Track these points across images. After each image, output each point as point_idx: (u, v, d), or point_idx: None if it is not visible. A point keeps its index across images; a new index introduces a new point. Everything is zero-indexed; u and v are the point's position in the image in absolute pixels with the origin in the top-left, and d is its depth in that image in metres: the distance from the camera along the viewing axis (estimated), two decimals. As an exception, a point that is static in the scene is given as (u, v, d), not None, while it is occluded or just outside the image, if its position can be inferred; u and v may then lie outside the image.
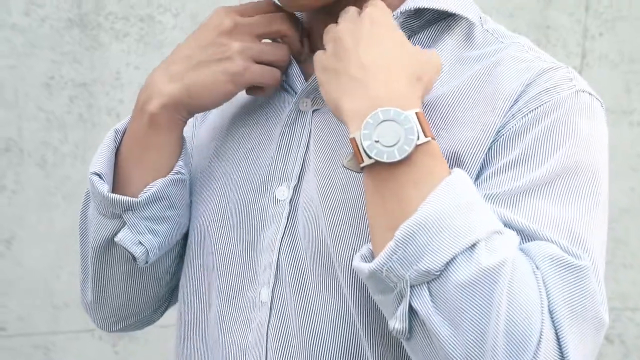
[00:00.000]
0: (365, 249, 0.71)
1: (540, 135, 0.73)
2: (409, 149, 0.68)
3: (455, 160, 0.74)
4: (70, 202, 1.83)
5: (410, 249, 0.65)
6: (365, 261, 0.70)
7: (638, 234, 2.12)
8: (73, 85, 1.80)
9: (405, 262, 0.65)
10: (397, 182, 0.68)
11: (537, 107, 0.74)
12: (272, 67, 0.83)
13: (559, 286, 0.65)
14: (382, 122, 0.68)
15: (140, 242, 0.87)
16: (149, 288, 0.95)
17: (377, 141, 0.68)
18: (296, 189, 0.83)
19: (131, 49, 1.80)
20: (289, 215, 0.82)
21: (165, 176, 0.87)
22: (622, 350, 2.19)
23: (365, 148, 0.68)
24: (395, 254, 0.65)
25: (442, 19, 0.83)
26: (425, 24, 0.83)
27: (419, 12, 0.82)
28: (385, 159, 0.68)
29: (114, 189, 0.87)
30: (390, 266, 0.66)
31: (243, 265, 0.85)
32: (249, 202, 0.85)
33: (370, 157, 0.69)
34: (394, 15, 0.80)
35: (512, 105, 0.75)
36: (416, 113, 0.69)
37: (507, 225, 0.69)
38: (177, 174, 0.87)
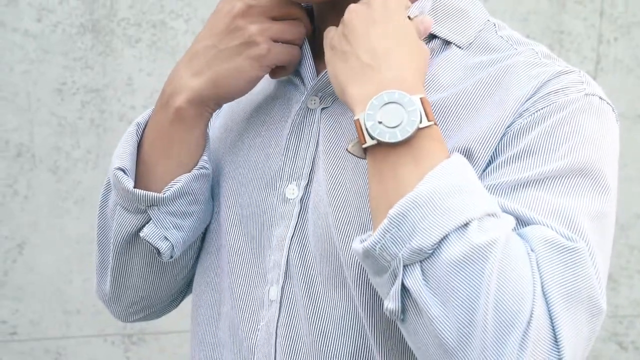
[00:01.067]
0: (366, 234, 0.71)
1: (546, 131, 0.73)
2: (410, 131, 0.68)
3: (467, 155, 0.74)
4: (82, 207, 1.83)
5: (404, 227, 0.65)
6: (363, 241, 0.70)
7: (653, 240, 2.11)
8: (85, 91, 1.80)
9: (399, 240, 0.66)
10: (397, 163, 0.69)
11: (545, 107, 0.74)
12: (292, 45, 0.83)
13: (553, 268, 0.65)
14: (386, 104, 0.69)
15: (166, 237, 0.87)
16: (168, 281, 0.95)
17: (380, 122, 0.69)
18: (307, 188, 0.83)
19: (143, 54, 1.80)
20: (299, 214, 0.82)
21: (190, 171, 0.86)
22: (636, 357, 2.17)
23: (368, 128, 0.69)
24: (389, 232, 0.66)
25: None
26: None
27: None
28: (387, 139, 0.69)
29: (137, 183, 0.86)
30: (383, 244, 0.66)
31: (252, 263, 0.85)
32: (258, 200, 0.85)
33: (372, 138, 0.69)
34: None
35: (520, 107, 0.75)
36: (420, 98, 0.70)
37: (505, 212, 0.69)
38: (201, 168, 0.87)
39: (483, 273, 0.63)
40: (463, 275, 0.64)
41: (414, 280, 0.66)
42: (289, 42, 0.83)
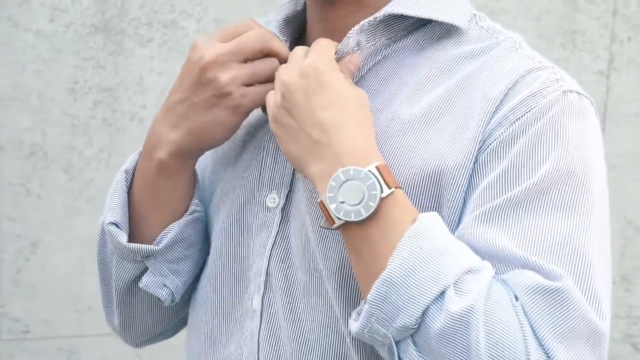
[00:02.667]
0: (362, 304, 0.71)
1: (528, 143, 0.71)
2: (374, 205, 0.68)
3: (438, 177, 0.73)
4: (94, 206, 1.84)
5: (385, 308, 0.66)
6: (358, 316, 0.70)
7: (667, 241, 2.09)
8: (97, 90, 1.81)
9: (384, 321, 0.67)
10: (369, 239, 0.69)
11: (524, 114, 0.72)
12: (267, 84, 0.80)
13: (541, 313, 0.65)
14: (344, 182, 0.69)
15: (165, 285, 0.88)
16: (175, 313, 0.96)
17: (342, 202, 0.69)
18: (288, 196, 0.82)
19: (154, 54, 1.81)
20: (280, 223, 0.82)
21: (181, 216, 0.86)
22: (651, 360, 2.15)
23: (333, 210, 0.70)
24: (373, 316, 0.67)
25: (428, 21, 0.81)
26: (411, 28, 0.82)
27: (399, 17, 0.80)
28: (353, 218, 0.69)
29: (132, 232, 0.87)
30: (370, 327, 0.68)
31: (236, 274, 0.85)
32: (241, 212, 0.85)
33: (339, 218, 0.70)
34: (370, 22, 0.79)
35: (496, 110, 0.73)
36: (377, 167, 0.69)
37: (489, 251, 0.69)
38: (192, 213, 0.87)
39: (469, 338, 0.64)
40: (452, 344, 0.65)
41: (409, 353, 0.67)
42: (265, 81, 0.80)
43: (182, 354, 2.01)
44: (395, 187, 0.69)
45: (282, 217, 0.82)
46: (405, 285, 0.65)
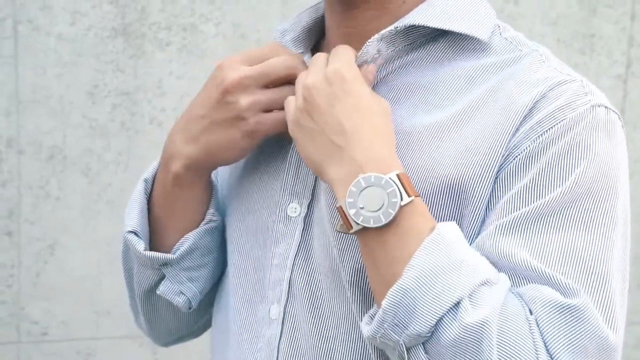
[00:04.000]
0: (374, 308, 0.72)
1: (554, 157, 0.71)
2: (393, 212, 0.69)
3: (460, 187, 0.73)
4: (112, 209, 1.85)
5: (398, 315, 0.67)
6: (371, 320, 0.71)
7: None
8: (116, 94, 1.82)
9: (396, 328, 0.67)
10: (386, 245, 0.69)
11: (552, 127, 0.72)
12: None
13: (555, 329, 0.65)
14: (364, 188, 0.70)
15: (182, 292, 0.89)
16: (197, 317, 0.98)
17: (362, 207, 0.70)
18: (310, 205, 0.83)
19: (173, 57, 1.82)
20: (302, 232, 0.82)
21: (197, 226, 0.88)
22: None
23: (352, 215, 0.70)
24: (385, 322, 0.67)
25: (450, 32, 0.80)
26: (431, 36, 0.81)
27: (420, 27, 0.80)
28: (372, 224, 0.69)
29: (152, 238, 0.89)
30: (382, 333, 0.68)
31: (253, 282, 0.86)
32: (261, 221, 0.86)
33: (357, 224, 0.70)
34: (390, 31, 0.78)
35: (522, 122, 0.73)
36: (397, 175, 0.70)
37: (507, 264, 0.69)
38: (209, 222, 0.89)
39: (482, 350, 0.64)
40: (463, 355, 0.65)
41: None
42: (283, 108, 0.81)
43: (198, 357, 2.01)
44: (415, 196, 0.70)
45: (304, 227, 0.82)
46: (421, 294, 0.66)
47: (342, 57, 0.77)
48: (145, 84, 1.82)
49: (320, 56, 0.78)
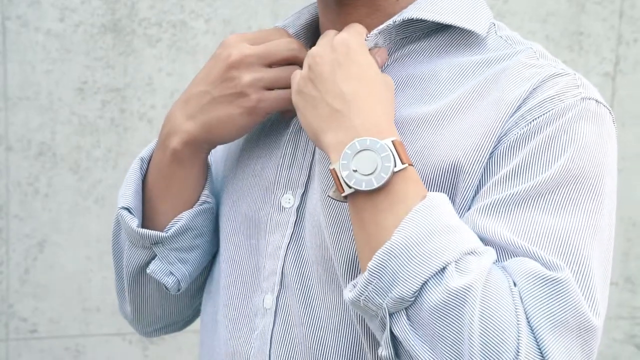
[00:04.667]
0: (357, 279, 0.71)
1: (542, 143, 0.72)
2: (385, 177, 0.69)
3: (454, 172, 0.74)
4: (102, 206, 1.84)
5: (383, 278, 0.67)
6: (354, 287, 0.71)
7: (672, 242, 2.09)
8: (106, 90, 1.81)
9: (381, 290, 0.67)
10: (375, 209, 0.70)
11: (541, 115, 0.73)
12: (288, 89, 0.82)
13: (537, 301, 0.65)
14: (359, 151, 0.70)
15: (172, 272, 0.89)
16: (183, 304, 0.98)
17: (355, 170, 0.70)
18: (303, 196, 0.83)
19: (163, 54, 1.82)
20: (295, 223, 0.83)
21: (192, 207, 0.88)
22: (655, 361, 2.16)
23: (344, 177, 0.70)
24: (370, 284, 0.67)
25: (447, 27, 0.82)
26: (427, 30, 0.82)
27: (418, 21, 0.81)
28: (363, 187, 0.70)
29: (144, 219, 0.89)
30: (366, 296, 0.68)
31: (247, 272, 0.86)
32: (255, 210, 0.86)
33: (349, 187, 0.70)
34: (388, 25, 0.80)
35: (514, 112, 0.74)
36: (393, 141, 0.70)
37: (491, 240, 0.69)
38: (203, 203, 0.89)
39: (463, 316, 0.64)
40: (445, 320, 0.65)
41: (401, 327, 0.67)
42: (286, 87, 0.82)
43: (187, 354, 2.01)
44: (409, 164, 0.70)
45: (297, 218, 0.83)
46: (407, 257, 0.66)
47: (351, 29, 0.78)
48: (135, 81, 1.82)
49: (330, 31, 0.79)
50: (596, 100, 0.75)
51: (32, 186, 1.82)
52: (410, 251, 0.66)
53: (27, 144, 1.80)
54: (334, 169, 0.71)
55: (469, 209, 0.74)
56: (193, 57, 1.81)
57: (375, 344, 0.76)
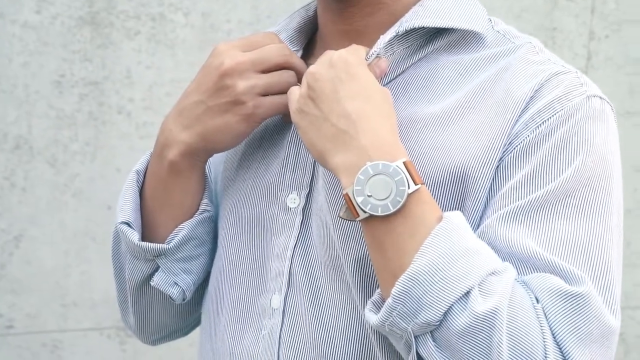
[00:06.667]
0: (376, 294, 0.72)
1: (554, 147, 0.73)
2: (401, 201, 0.69)
3: (463, 176, 0.75)
4: (80, 200, 1.83)
5: (408, 303, 0.67)
6: (375, 307, 0.72)
7: (640, 234, 2.15)
8: (84, 84, 1.80)
9: (405, 316, 0.68)
10: (393, 233, 0.70)
11: (550, 117, 0.74)
12: (283, 95, 0.82)
13: (562, 317, 0.67)
14: (372, 176, 0.70)
15: (176, 283, 0.89)
16: (188, 312, 0.98)
17: (369, 195, 0.70)
18: (308, 197, 0.83)
19: (142, 47, 1.80)
20: (301, 223, 0.83)
21: (191, 217, 0.88)
22: (623, 348, 2.21)
23: (360, 203, 0.70)
24: (395, 310, 0.68)
25: (446, 30, 0.82)
26: (427, 35, 0.83)
27: (419, 29, 0.81)
28: (379, 213, 0.70)
29: (144, 231, 0.88)
30: (391, 321, 0.68)
31: (253, 273, 0.86)
32: (259, 211, 0.86)
33: (365, 212, 0.70)
34: (392, 36, 0.79)
35: (522, 112, 0.75)
36: (404, 162, 0.70)
37: (514, 253, 0.70)
38: (203, 212, 0.89)
39: (492, 338, 0.65)
40: (473, 343, 0.66)
41: (427, 349, 0.68)
42: (281, 92, 0.82)
43: (165, 349, 2.01)
44: (421, 184, 0.70)
45: (303, 218, 0.83)
46: (431, 282, 0.66)
47: (350, 48, 0.78)
48: (114, 74, 1.80)
49: (329, 51, 0.78)
50: (600, 97, 0.77)
51: (8, 180, 1.80)
52: (434, 277, 0.66)
53: (4, 137, 1.78)
54: (347, 194, 0.71)
55: (481, 212, 0.74)
56: (172, 50, 1.80)
57: (385, 343, 0.77)
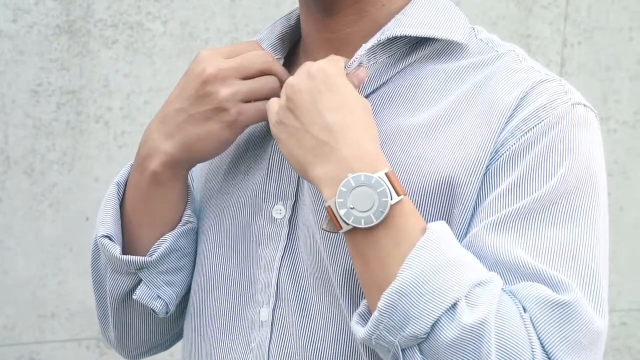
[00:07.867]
0: (362, 306, 0.72)
1: (540, 154, 0.73)
2: (385, 212, 0.69)
3: (450, 185, 0.74)
4: (57, 210, 1.81)
5: (395, 317, 0.67)
6: (362, 320, 0.71)
7: (614, 237, 2.18)
8: (61, 93, 1.78)
9: (392, 329, 0.67)
10: (377, 245, 0.69)
11: (536, 125, 0.74)
12: (266, 101, 0.81)
13: (550, 326, 0.67)
14: (354, 188, 0.69)
15: (159, 296, 0.87)
16: (170, 326, 0.96)
17: (352, 207, 0.69)
18: (294, 207, 0.82)
19: (120, 56, 1.80)
20: (288, 234, 0.82)
21: (174, 228, 0.86)
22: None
23: (342, 216, 0.69)
24: (381, 323, 0.67)
25: (429, 38, 0.82)
26: (410, 45, 0.82)
27: (401, 38, 0.81)
28: (363, 225, 0.69)
29: (124, 244, 0.87)
30: (378, 335, 0.68)
31: (240, 285, 0.85)
32: (244, 223, 0.85)
33: (347, 224, 0.70)
34: (373, 45, 0.79)
35: (507, 121, 0.75)
36: (386, 173, 0.70)
37: (502, 261, 0.70)
38: (186, 223, 0.87)
39: (481, 350, 0.65)
40: (462, 355, 0.66)
41: None
42: (264, 98, 0.81)
43: (145, 358, 1.98)
44: (403, 195, 0.70)
45: (289, 229, 0.82)
46: (417, 295, 0.66)
47: (329, 58, 0.77)
48: (91, 83, 1.79)
49: (307, 62, 0.78)
50: (584, 105, 0.78)
51: (-16, 191, 1.78)
52: (420, 289, 0.66)
53: (-21, 147, 1.76)
54: (329, 206, 0.70)
55: (469, 221, 0.74)
56: (150, 58, 1.80)
57: (373, 355, 0.76)
